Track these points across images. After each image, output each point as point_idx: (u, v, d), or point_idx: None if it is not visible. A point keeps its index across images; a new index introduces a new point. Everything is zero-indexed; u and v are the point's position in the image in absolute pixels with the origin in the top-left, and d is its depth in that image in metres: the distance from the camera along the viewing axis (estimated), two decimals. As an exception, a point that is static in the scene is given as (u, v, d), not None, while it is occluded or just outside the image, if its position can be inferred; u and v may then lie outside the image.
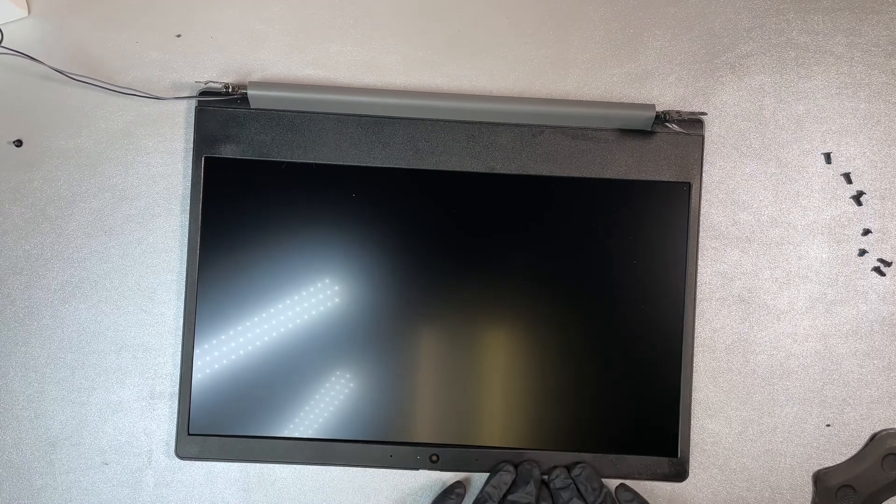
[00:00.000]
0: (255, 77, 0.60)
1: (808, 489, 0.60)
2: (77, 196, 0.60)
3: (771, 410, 0.60)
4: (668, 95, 0.61)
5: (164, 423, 0.59)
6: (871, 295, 0.61)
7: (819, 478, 0.60)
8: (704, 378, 0.60)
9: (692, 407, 0.60)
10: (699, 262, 0.60)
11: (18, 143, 0.59)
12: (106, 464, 0.59)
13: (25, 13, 0.60)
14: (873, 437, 0.60)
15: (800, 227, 0.61)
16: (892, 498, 0.60)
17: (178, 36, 0.60)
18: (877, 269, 0.61)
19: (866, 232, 0.61)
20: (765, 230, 0.61)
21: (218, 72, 0.60)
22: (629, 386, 0.58)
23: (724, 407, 0.60)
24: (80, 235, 0.59)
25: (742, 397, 0.60)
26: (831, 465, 0.60)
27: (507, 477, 0.56)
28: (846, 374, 0.60)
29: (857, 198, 0.61)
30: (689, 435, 0.58)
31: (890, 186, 0.61)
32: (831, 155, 0.61)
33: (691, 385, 0.59)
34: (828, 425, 0.60)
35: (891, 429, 0.60)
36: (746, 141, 0.61)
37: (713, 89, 0.61)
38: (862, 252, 0.61)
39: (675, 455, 0.58)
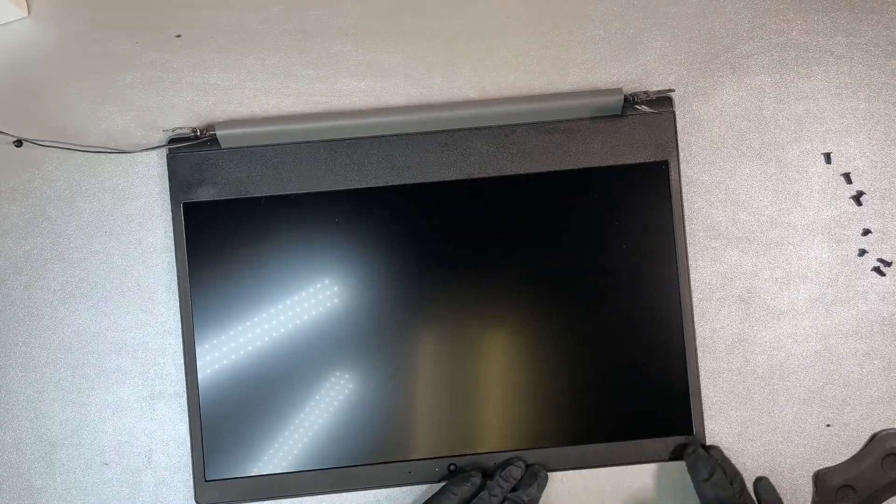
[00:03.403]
0: (255, 85, 0.60)
1: (808, 489, 0.60)
2: (77, 196, 0.60)
3: (771, 410, 0.60)
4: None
5: (164, 423, 0.59)
6: (871, 295, 0.61)
7: (819, 478, 0.60)
8: (704, 378, 0.60)
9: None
10: (699, 263, 0.60)
11: (18, 144, 0.59)
12: (106, 464, 0.59)
13: (25, 13, 0.60)
14: (873, 437, 0.60)
15: (800, 227, 0.61)
16: (892, 498, 0.60)
17: (178, 36, 0.60)
18: (877, 270, 0.61)
19: (866, 232, 0.61)
20: (764, 230, 0.61)
21: (217, 72, 0.60)
22: (635, 371, 0.58)
23: (723, 407, 0.60)
24: (80, 235, 0.59)
25: (742, 397, 0.60)
26: (831, 465, 0.60)
27: (515, 472, 0.56)
28: (846, 374, 0.60)
29: (857, 198, 0.61)
30: (701, 411, 0.58)
31: (890, 186, 0.61)
32: (831, 155, 0.61)
33: (697, 361, 0.59)
34: (828, 425, 0.60)
35: (891, 429, 0.60)
36: (746, 141, 0.61)
37: (713, 89, 0.61)
38: (862, 252, 0.61)
39: (691, 433, 0.58)
